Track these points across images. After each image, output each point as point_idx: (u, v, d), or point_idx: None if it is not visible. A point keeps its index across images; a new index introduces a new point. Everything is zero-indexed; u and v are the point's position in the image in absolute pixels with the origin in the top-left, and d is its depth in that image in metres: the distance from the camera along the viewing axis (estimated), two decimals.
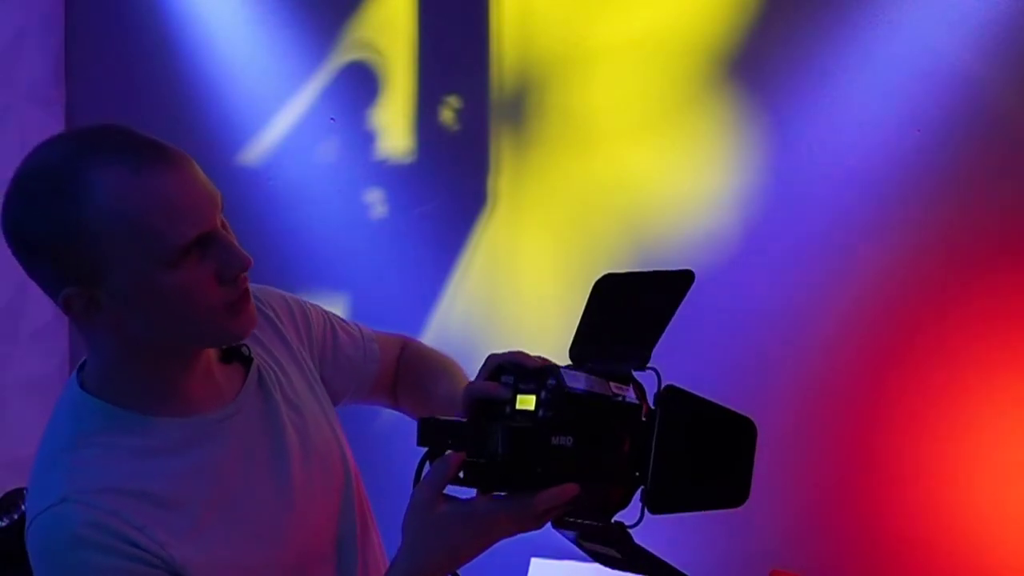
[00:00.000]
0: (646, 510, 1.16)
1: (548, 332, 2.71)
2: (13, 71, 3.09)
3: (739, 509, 1.22)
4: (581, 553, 1.28)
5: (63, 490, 1.18)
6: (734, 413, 1.20)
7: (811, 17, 2.56)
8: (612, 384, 1.19)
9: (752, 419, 1.20)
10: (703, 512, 1.22)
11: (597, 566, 1.27)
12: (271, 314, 1.42)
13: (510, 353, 1.25)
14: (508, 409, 1.19)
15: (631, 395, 1.20)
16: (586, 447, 1.15)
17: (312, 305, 1.50)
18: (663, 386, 1.16)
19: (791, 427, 2.59)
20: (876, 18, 2.49)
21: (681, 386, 1.17)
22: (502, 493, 1.17)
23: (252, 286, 1.34)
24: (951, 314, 2.48)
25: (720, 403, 1.19)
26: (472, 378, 1.27)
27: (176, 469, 1.23)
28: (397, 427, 2.94)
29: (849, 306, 2.56)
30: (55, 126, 3.21)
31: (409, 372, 1.56)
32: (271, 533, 1.28)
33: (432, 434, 1.19)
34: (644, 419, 1.19)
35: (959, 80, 2.44)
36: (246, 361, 1.35)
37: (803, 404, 2.60)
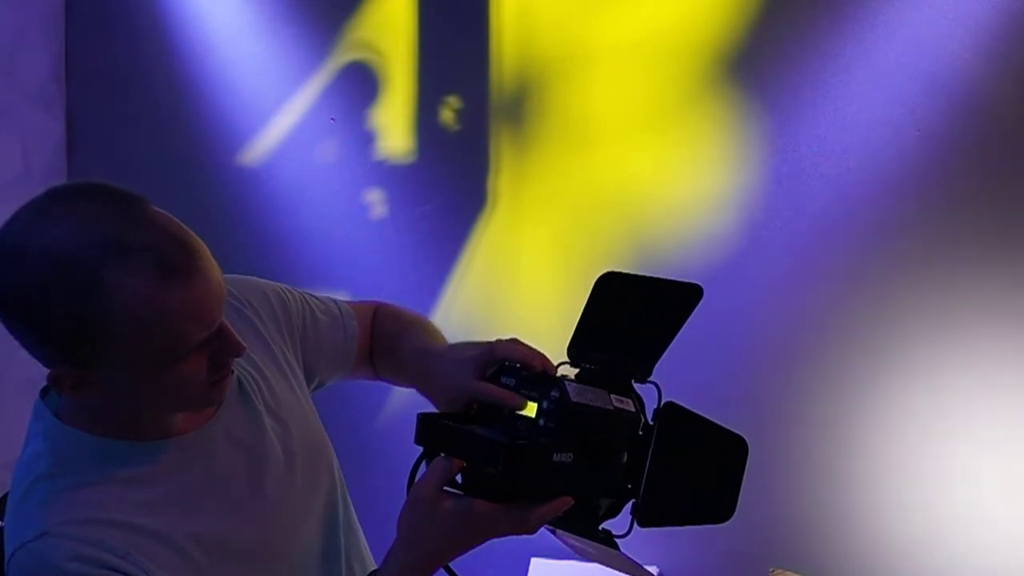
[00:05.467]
0: (635, 523, 1.16)
1: (548, 332, 2.70)
2: (13, 71, 3.09)
3: (740, 509, 1.23)
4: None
5: (43, 524, 1.15)
6: (727, 431, 1.20)
7: (811, 17, 2.56)
8: (613, 397, 1.18)
9: (744, 438, 1.20)
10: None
11: (597, 566, 1.27)
12: (250, 313, 1.39)
13: (513, 348, 1.23)
14: (506, 412, 1.19)
15: (630, 407, 1.19)
16: (585, 462, 1.15)
17: (289, 292, 1.47)
18: (663, 403, 1.16)
19: (791, 428, 2.59)
20: (876, 18, 2.50)
21: (680, 403, 1.16)
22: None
23: (228, 277, 1.34)
24: (952, 313, 2.48)
25: (715, 419, 1.19)
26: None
27: (157, 499, 1.21)
28: (394, 428, 2.95)
29: (848, 306, 2.56)
30: (55, 126, 3.21)
31: (384, 337, 1.52)
32: (254, 549, 1.27)
33: (430, 434, 1.19)
34: (641, 432, 1.18)
35: (959, 80, 2.44)
36: None
37: (803, 404, 2.60)
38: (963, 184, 2.47)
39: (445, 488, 1.17)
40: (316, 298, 1.51)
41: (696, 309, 1.19)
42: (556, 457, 1.13)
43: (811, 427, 2.59)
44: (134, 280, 1.10)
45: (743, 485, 1.21)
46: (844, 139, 2.54)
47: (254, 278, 1.46)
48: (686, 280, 1.18)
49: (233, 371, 1.27)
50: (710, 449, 1.19)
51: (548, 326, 2.70)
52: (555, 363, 1.24)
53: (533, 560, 2.68)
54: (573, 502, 1.16)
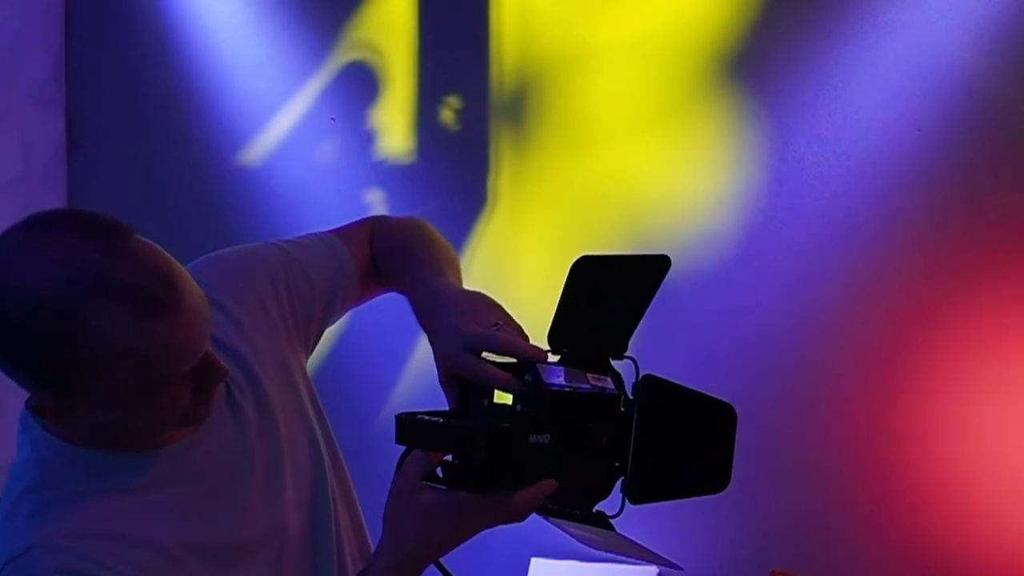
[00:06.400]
0: (627, 501, 1.15)
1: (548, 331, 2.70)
2: (13, 71, 3.09)
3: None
4: (581, 553, 1.28)
5: (29, 538, 1.15)
6: (712, 399, 1.18)
7: (811, 17, 2.56)
8: (590, 376, 1.18)
9: (731, 404, 1.19)
10: (693, 505, 1.21)
11: (597, 566, 1.27)
12: (239, 314, 1.35)
13: (511, 343, 1.20)
14: (485, 402, 1.18)
15: (609, 385, 1.18)
16: (564, 443, 1.15)
17: (271, 255, 1.42)
18: (641, 376, 1.15)
19: (791, 427, 2.59)
20: (876, 18, 2.49)
21: (658, 375, 1.15)
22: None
23: (216, 257, 1.34)
24: (951, 313, 2.48)
25: (698, 390, 1.17)
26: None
27: (146, 509, 1.20)
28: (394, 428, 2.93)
29: (849, 305, 2.56)
30: (55, 126, 3.21)
31: (385, 258, 1.46)
32: (244, 555, 1.26)
33: (408, 433, 1.19)
34: (623, 409, 1.17)
35: (959, 80, 2.44)
36: None
37: (803, 404, 2.60)
38: (963, 184, 2.47)
39: (425, 483, 1.16)
40: (297, 244, 1.46)
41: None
42: (533, 439, 1.13)
43: (812, 426, 2.59)
44: (114, 320, 1.08)
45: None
46: (844, 139, 2.54)
47: (239, 256, 1.42)
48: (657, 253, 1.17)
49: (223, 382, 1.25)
50: (695, 418, 1.18)
51: (548, 326, 2.70)
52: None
53: (533, 560, 2.68)
54: (557, 485, 1.15)
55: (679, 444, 1.18)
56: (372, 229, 1.50)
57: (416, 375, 2.91)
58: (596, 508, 1.20)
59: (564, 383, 1.16)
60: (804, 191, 2.58)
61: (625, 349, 1.19)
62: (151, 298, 1.09)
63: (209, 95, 3.10)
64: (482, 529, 1.18)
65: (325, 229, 1.52)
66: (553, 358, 1.21)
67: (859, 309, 2.55)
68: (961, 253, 2.47)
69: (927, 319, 2.50)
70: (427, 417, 1.18)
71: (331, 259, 1.44)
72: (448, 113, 2.93)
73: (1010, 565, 2.43)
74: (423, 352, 2.88)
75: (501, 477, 1.13)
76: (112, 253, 1.09)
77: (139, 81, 3.19)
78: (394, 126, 2.97)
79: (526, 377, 1.16)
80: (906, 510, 2.52)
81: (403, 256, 1.43)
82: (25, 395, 1.20)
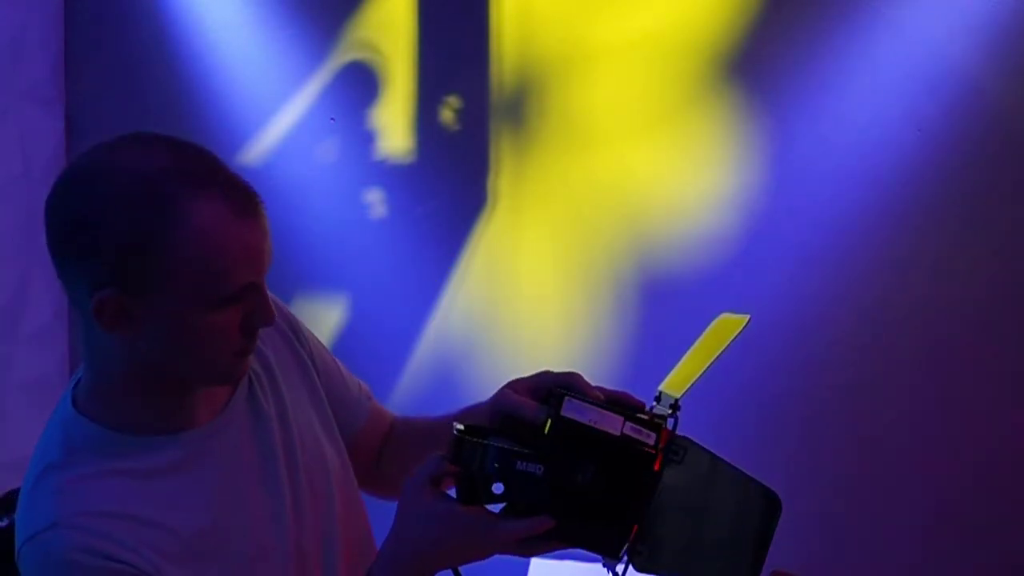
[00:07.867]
0: (631, 565, 1.12)
1: (548, 332, 2.71)
2: (13, 71, 3.09)
3: None
4: (581, 553, 1.27)
5: (53, 515, 1.17)
6: (756, 483, 1.14)
7: (811, 17, 2.56)
8: (628, 424, 1.13)
9: (777, 494, 1.14)
10: None
11: (596, 567, 1.26)
12: (278, 318, 1.38)
13: (566, 375, 1.22)
14: (538, 429, 1.16)
15: (646, 439, 1.14)
16: (561, 480, 1.12)
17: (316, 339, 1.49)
18: (676, 439, 1.12)
19: (792, 428, 2.59)
20: (876, 18, 2.50)
21: (700, 443, 1.11)
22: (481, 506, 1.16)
23: None
24: (951, 313, 2.48)
25: (745, 470, 1.13)
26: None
27: (166, 494, 1.22)
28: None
29: (849, 306, 2.57)
30: (55, 126, 3.21)
31: (407, 425, 1.51)
32: (259, 551, 1.27)
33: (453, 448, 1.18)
34: (656, 470, 1.13)
35: (959, 80, 2.45)
36: None
37: (804, 405, 2.60)
38: (963, 184, 2.48)
39: (434, 487, 1.17)
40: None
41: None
42: (520, 466, 1.11)
43: (812, 426, 2.59)
44: (207, 209, 1.16)
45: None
46: (844, 139, 2.54)
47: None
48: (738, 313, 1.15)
49: (253, 355, 1.27)
50: (730, 499, 1.13)
51: (548, 326, 2.70)
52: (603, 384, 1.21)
53: (533, 560, 2.68)
54: (553, 524, 1.12)
55: (705, 523, 1.13)
56: (392, 423, 1.54)
57: (418, 373, 2.91)
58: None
59: (583, 420, 1.12)
60: (804, 191, 2.58)
61: (677, 408, 1.15)
62: (241, 200, 1.20)
63: (209, 95, 3.10)
64: (480, 549, 1.17)
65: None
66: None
67: (859, 308, 2.56)
68: (961, 251, 2.48)
69: (927, 317, 2.50)
70: (462, 430, 1.17)
71: (353, 400, 1.49)
72: (448, 113, 2.93)
73: (1007, 564, 2.43)
74: (424, 351, 2.89)
75: (478, 494, 1.13)
76: (211, 160, 1.22)
77: (139, 81, 3.19)
78: (394, 126, 2.97)
79: (556, 407, 1.14)
80: (906, 510, 2.52)
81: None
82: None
